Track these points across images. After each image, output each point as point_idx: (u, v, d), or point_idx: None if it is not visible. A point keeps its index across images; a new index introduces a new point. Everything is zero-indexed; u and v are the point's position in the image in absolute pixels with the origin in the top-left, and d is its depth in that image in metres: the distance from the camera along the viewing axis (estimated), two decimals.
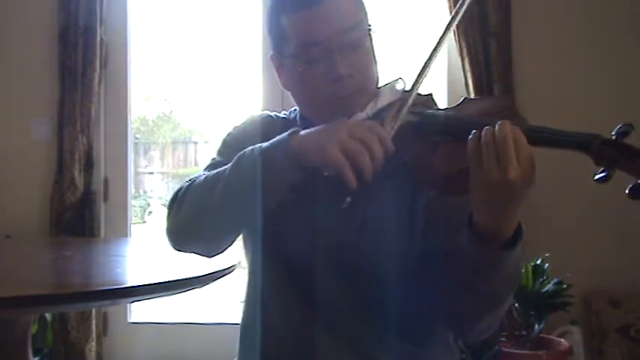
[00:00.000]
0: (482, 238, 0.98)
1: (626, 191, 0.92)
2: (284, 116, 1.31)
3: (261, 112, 1.33)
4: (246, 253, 1.30)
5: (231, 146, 1.22)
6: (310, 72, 1.12)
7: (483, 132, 0.92)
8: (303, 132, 1.04)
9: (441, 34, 1.09)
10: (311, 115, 1.20)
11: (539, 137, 0.94)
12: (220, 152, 1.25)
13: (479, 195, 0.95)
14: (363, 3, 1.18)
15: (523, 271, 2.59)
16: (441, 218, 1.13)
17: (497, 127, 0.92)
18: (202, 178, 1.13)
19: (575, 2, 3.07)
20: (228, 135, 1.28)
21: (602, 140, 0.92)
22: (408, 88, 1.11)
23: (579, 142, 0.93)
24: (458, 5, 1.12)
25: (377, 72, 1.18)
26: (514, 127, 0.92)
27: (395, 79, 1.15)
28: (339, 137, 0.98)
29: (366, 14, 1.17)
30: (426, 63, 1.08)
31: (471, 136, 0.94)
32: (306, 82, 1.14)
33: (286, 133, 1.04)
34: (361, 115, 1.10)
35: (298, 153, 1.01)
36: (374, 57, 1.17)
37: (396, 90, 1.13)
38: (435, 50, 1.08)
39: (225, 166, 1.08)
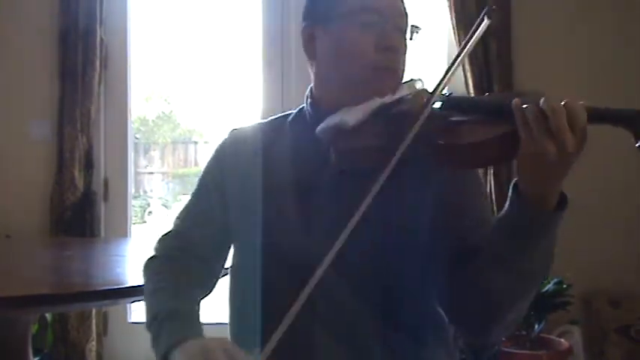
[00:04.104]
0: (530, 203, 0.99)
1: None
2: (271, 121, 1.32)
3: (236, 129, 1.34)
4: (236, 251, 1.30)
5: (205, 185, 1.32)
6: (361, 36, 1.15)
7: (533, 107, 0.92)
8: (179, 348, 1.09)
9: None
10: (339, 89, 1.19)
11: (591, 112, 0.94)
12: (194, 193, 1.34)
13: (528, 168, 0.96)
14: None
15: None
16: (459, 215, 1.14)
17: (546, 100, 0.92)
18: (148, 289, 1.26)
19: (575, 2, 3.08)
20: (202, 174, 1.34)
21: None
22: (426, 88, 1.14)
23: (625, 117, 0.94)
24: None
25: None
26: (565, 99, 0.92)
27: (415, 78, 1.18)
28: None
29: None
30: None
31: (519, 110, 0.94)
32: (352, 46, 1.16)
33: (167, 343, 1.12)
34: (379, 101, 1.12)
35: None
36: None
37: (415, 88, 1.16)
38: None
39: (155, 309, 1.21)
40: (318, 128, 1.14)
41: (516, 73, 3.02)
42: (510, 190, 1.01)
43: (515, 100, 0.95)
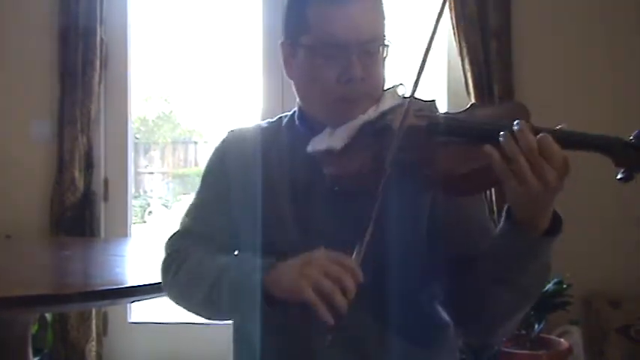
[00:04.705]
0: (520, 229, 1.00)
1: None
2: (268, 124, 1.32)
3: (234, 130, 1.34)
4: (237, 249, 1.30)
5: (209, 182, 1.31)
6: (324, 68, 1.13)
7: (507, 144, 0.91)
8: (278, 266, 1.06)
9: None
10: (313, 110, 1.21)
11: (565, 140, 0.94)
12: (200, 192, 1.32)
13: (515, 200, 0.97)
14: (384, 15, 1.19)
15: None
16: (456, 225, 1.14)
17: (518, 137, 0.91)
18: (189, 265, 1.21)
19: (575, 2, 3.07)
20: (204, 174, 1.33)
21: (624, 143, 0.95)
22: (408, 93, 1.11)
23: (603, 145, 0.95)
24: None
25: (384, 79, 1.19)
26: (541, 132, 0.92)
27: (396, 84, 1.17)
28: (311, 275, 0.99)
29: (385, 26, 1.18)
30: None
31: (492, 150, 0.93)
32: (316, 77, 1.15)
33: (261, 266, 1.08)
34: (364, 118, 1.12)
35: (272, 290, 1.05)
36: (384, 66, 1.19)
37: (398, 95, 1.15)
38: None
39: (208, 267, 1.17)
40: (309, 147, 1.15)
41: (516, 73, 3.02)
42: (504, 214, 1.02)
43: (488, 148, 0.93)
